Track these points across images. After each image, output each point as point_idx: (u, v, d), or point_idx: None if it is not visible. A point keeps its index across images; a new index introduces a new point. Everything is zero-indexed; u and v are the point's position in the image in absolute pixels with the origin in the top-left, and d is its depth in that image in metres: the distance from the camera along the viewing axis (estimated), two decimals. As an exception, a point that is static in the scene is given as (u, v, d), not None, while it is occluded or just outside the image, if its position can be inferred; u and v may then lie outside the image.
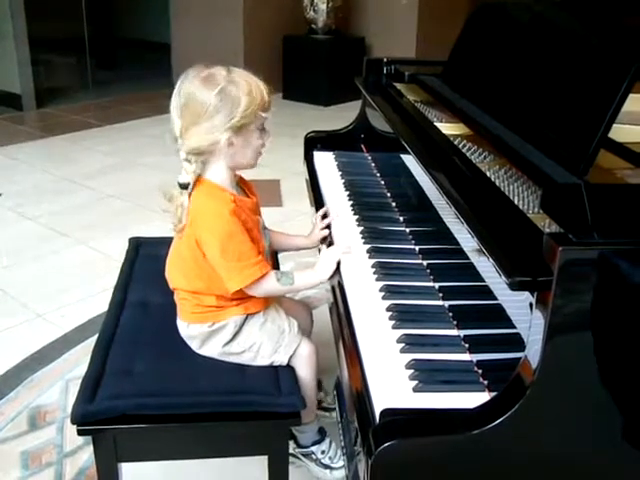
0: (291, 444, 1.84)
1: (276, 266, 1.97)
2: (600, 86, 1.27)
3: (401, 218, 1.86)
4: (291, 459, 1.72)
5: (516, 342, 1.11)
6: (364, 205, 1.96)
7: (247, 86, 1.53)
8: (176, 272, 1.72)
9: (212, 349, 1.68)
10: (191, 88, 1.52)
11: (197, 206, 1.58)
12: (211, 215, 1.57)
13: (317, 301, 2.05)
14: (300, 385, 1.64)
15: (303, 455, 1.89)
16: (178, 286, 1.72)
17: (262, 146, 1.64)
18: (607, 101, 1.22)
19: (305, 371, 1.70)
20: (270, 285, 1.62)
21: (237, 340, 1.67)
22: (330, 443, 1.89)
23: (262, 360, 1.67)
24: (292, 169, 4.32)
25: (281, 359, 1.67)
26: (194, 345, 1.70)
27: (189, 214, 1.59)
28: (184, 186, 1.57)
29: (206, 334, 1.67)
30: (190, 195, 1.59)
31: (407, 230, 1.79)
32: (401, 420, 1.07)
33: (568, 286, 0.98)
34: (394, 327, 1.37)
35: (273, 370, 1.66)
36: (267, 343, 1.67)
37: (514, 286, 1.04)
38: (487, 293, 1.25)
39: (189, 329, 1.70)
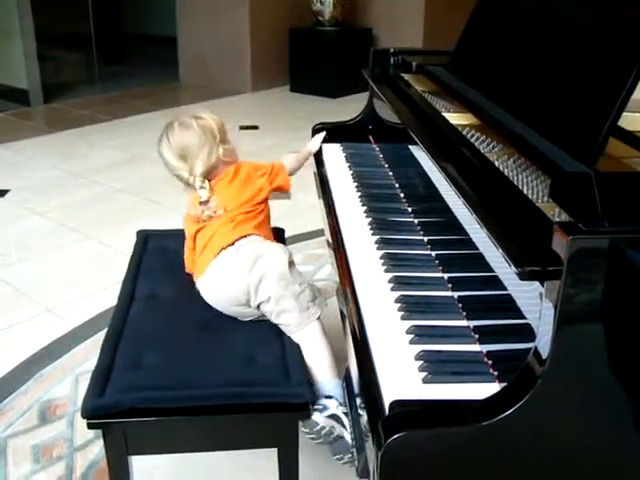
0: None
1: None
2: (609, 74, 1.26)
3: (409, 209, 1.86)
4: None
5: (526, 332, 1.10)
6: (372, 196, 1.96)
7: (205, 114, 1.96)
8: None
9: (276, 259, 1.80)
10: (178, 138, 1.90)
11: (240, 168, 1.97)
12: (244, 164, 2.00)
13: (326, 292, 2.06)
14: (317, 355, 1.72)
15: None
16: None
17: None
18: (616, 89, 1.21)
19: (318, 342, 1.76)
20: (288, 160, 2.16)
21: (292, 269, 1.82)
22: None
23: (303, 299, 1.77)
24: (300, 162, 4.32)
25: (315, 310, 1.79)
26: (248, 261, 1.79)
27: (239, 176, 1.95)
28: (206, 202, 1.88)
29: (263, 248, 1.84)
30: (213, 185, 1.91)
31: (416, 221, 1.78)
32: (410, 412, 1.06)
33: (578, 275, 0.97)
34: (403, 318, 1.36)
35: (282, 360, 1.66)
36: (309, 290, 1.81)
37: (523, 276, 1.03)
38: (497, 283, 1.24)
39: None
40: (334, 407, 1.67)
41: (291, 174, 2.13)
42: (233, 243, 1.82)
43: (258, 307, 1.78)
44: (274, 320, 1.77)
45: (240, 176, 1.95)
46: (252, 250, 1.81)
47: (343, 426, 1.67)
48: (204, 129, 1.90)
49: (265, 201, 1.99)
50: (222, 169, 1.94)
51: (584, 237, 0.96)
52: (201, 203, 1.87)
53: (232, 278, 1.78)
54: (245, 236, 1.84)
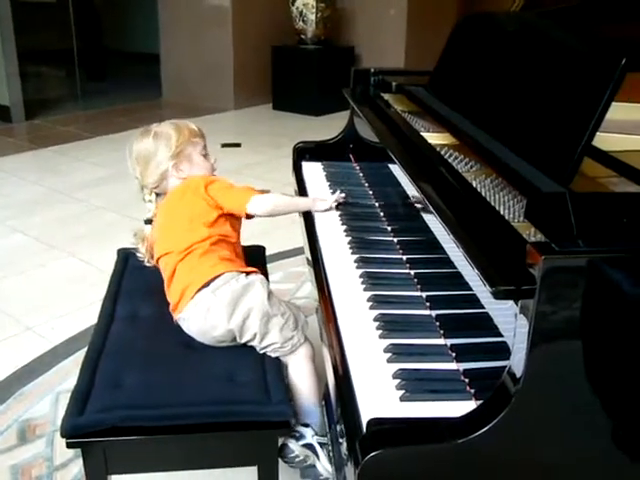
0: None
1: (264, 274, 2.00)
2: (583, 94, 1.28)
3: (389, 228, 1.87)
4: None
5: (502, 350, 1.11)
6: (352, 215, 1.97)
7: (172, 124, 1.90)
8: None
9: (255, 297, 1.72)
10: (134, 144, 1.88)
11: (184, 182, 1.86)
12: (198, 176, 1.89)
13: (306, 310, 2.06)
14: (300, 379, 1.73)
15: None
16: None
17: (212, 165, 1.97)
18: (590, 109, 1.22)
19: (303, 367, 1.75)
20: (273, 197, 1.90)
21: (272, 300, 1.74)
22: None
23: (287, 330, 1.72)
24: (282, 179, 4.32)
25: (299, 336, 1.75)
26: (225, 301, 1.70)
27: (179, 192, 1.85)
28: (149, 221, 1.88)
29: (241, 288, 1.72)
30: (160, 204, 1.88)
31: (395, 240, 1.79)
32: (387, 430, 1.07)
33: (551, 295, 0.98)
34: (381, 337, 1.37)
35: (262, 378, 1.66)
36: (292, 318, 1.75)
37: (498, 295, 1.04)
38: (474, 302, 1.25)
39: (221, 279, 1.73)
40: (310, 436, 1.68)
41: (272, 214, 1.92)
42: (208, 284, 1.73)
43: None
44: (259, 351, 1.74)
45: (188, 189, 1.84)
46: (229, 292, 1.72)
47: (317, 456, 1.68)
48: (158, 138, 1.86)
49: (224, 219, 1.85)
50: (176, 186, 1.87)
51: (557, 257, 0.97)
52: (146, 222, 1.87)
53: (213, 325, 1.71)
54: (218, 276, 1.73)
